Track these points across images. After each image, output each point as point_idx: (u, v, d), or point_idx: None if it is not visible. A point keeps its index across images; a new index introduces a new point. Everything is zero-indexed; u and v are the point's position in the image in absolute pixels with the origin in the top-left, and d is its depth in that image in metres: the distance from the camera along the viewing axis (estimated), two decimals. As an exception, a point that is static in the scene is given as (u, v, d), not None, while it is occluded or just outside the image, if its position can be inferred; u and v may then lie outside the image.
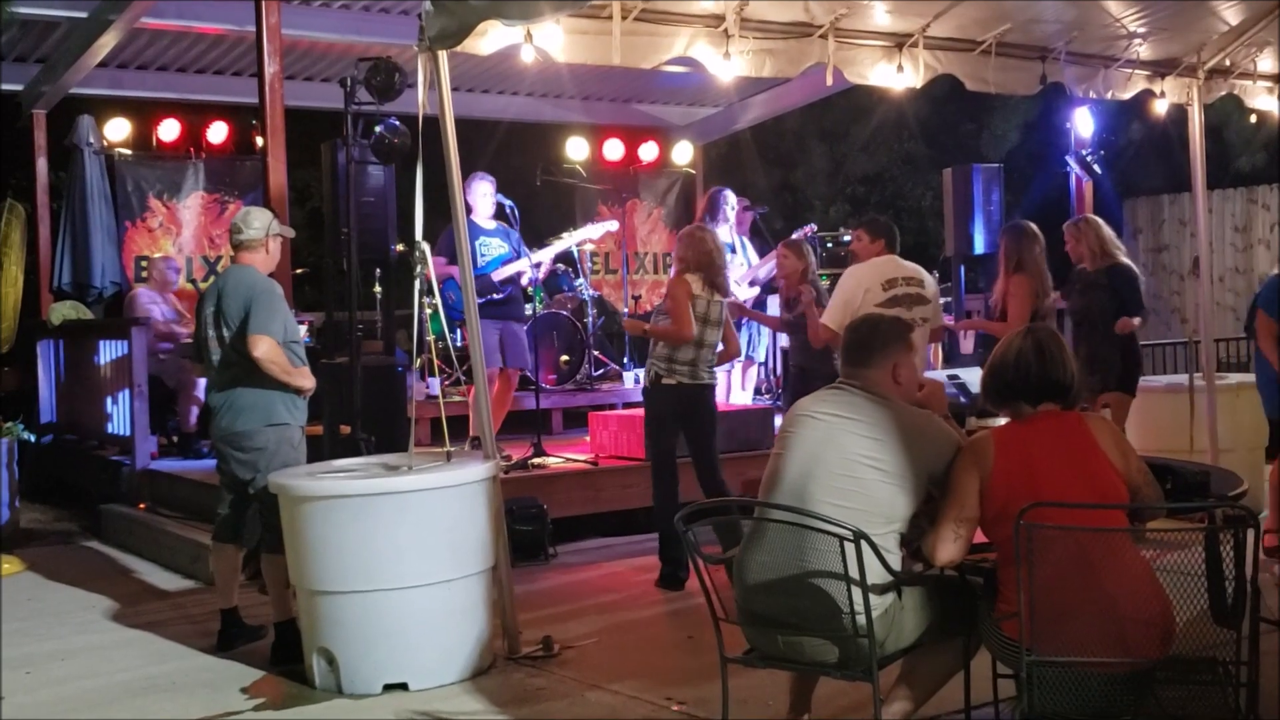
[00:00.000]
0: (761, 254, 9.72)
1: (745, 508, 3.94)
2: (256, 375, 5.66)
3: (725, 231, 9.70)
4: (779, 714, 4.31)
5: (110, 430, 9.67)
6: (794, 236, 8.92)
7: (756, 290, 9.61)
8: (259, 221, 5.89)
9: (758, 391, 9.97)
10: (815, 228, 10.24)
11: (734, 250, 9.70)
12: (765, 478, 3.96)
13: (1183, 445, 7.68)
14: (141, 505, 8.76)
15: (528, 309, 8.81)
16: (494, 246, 8.46)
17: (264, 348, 5.59)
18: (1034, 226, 7.28)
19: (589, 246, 10.12)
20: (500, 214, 8.63)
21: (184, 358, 9.17)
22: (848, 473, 3.75)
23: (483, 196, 8.48)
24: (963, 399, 6.27)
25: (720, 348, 6.83)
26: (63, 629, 6.45)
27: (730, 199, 9.49)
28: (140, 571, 7.74)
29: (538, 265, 8.60)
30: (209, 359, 5.85)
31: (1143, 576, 3.38)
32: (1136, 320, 7.26)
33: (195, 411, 9.39)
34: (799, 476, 3.82)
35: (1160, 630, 3.33)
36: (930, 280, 7.10)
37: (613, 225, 10.23)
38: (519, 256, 8.51)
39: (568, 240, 9.33)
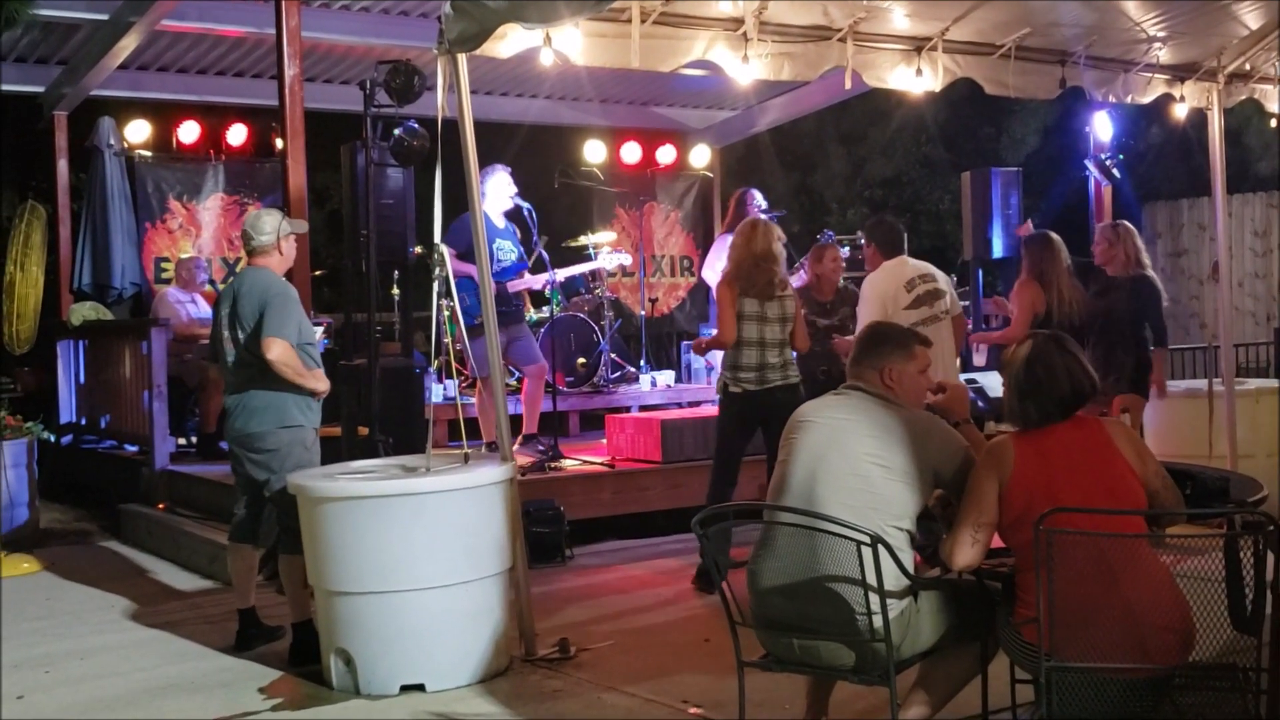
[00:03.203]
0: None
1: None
2: (270, 377, 5.67)
3: None
4: (796, 717, 4.31)
5: (130, 430, 9.71)
6: (824, 239, 8.87)
7: None
8: (269, 225, 5.88)
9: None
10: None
11: None
12: (773, 484, 3.99)
13: (1202, 450, 7.65)
14: (160, 505, 8.79)
15: (545, 311, 8.79)
16: (506, 250, 8.34)
17: (277, 350, 5.60)
18: (1059, 239, 7.29)
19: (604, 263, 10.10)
20: (516, 216, 8.55)
21: (203, 358, 9.20)
22: (854, 471, 3.77)
23: (499, 188, 8.19)
24: (981, 404, 6.25)
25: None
26: (81, 628, 6.49)
27: (758, 199, 9.44)
28: (159, 571, 7.77)
29: (554, 281, 8.61)
30: (224, 360, 5.87)
31: (1162, 582, 3.38)
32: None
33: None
34: (806, 480, 3.83)
35: (1180, 636, 3.33)
36: (940, 273, 7.16)
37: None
38: (524, 264, 8.49)
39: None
